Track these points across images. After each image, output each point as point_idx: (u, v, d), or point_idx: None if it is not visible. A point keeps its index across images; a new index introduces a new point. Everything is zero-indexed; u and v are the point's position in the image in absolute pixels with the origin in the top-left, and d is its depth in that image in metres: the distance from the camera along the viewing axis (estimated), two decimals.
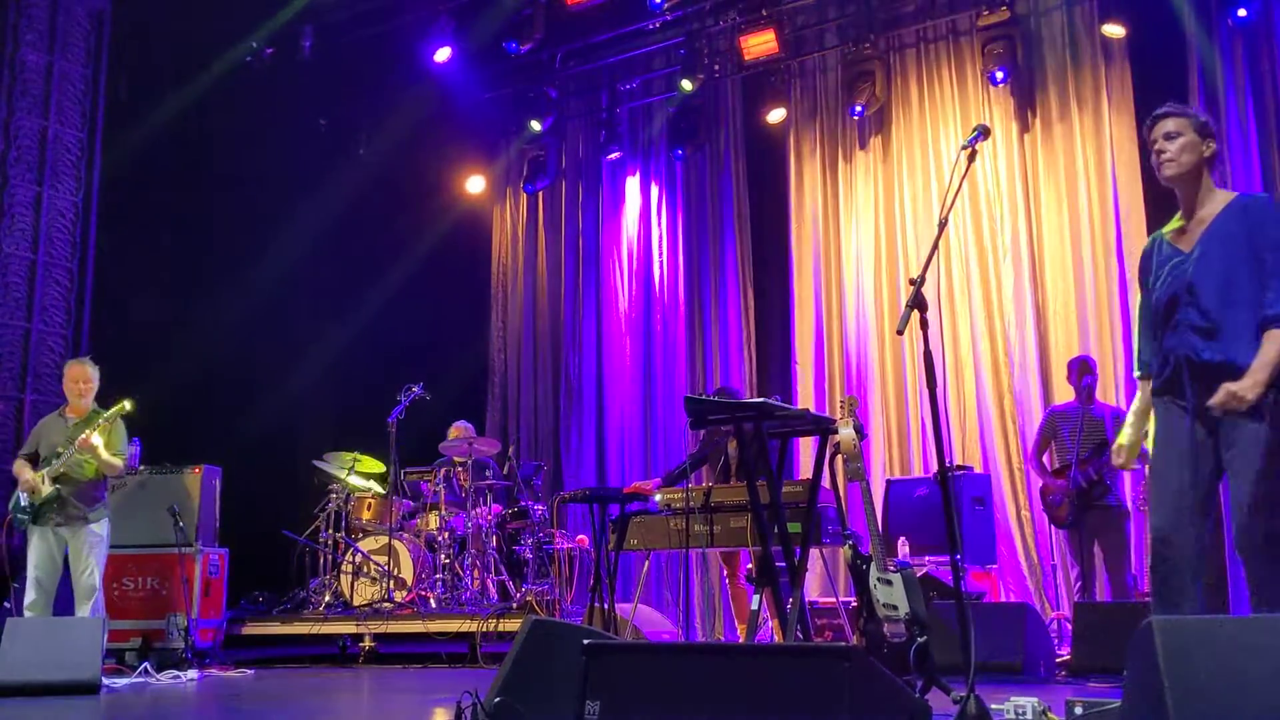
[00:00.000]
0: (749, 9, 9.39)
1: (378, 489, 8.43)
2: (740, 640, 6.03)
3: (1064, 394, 7.67)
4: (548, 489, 9.43)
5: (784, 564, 4.86)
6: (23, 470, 6.46)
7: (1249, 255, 3.43)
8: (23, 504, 6.38)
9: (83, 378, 6.57)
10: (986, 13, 8.47)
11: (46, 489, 6.32)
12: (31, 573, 6.38)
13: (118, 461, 6.47)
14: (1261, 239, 3.43)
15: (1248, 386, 3.28)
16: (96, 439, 6.30)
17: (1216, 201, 3.58)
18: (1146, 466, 3.75)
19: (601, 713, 2.81)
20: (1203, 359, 3.41)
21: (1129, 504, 6.89)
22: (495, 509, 8.34)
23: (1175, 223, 3.68)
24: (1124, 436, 3.78)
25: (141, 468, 7.61)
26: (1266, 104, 7.63)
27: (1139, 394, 3.76)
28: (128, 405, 6.47)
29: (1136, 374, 3.79)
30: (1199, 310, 3.44)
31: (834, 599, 6.66)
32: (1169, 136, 3.59)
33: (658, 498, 6.02)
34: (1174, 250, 3.62)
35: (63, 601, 6.49)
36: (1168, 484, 3.45)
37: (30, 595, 6.35)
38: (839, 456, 4.80)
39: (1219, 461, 3.42)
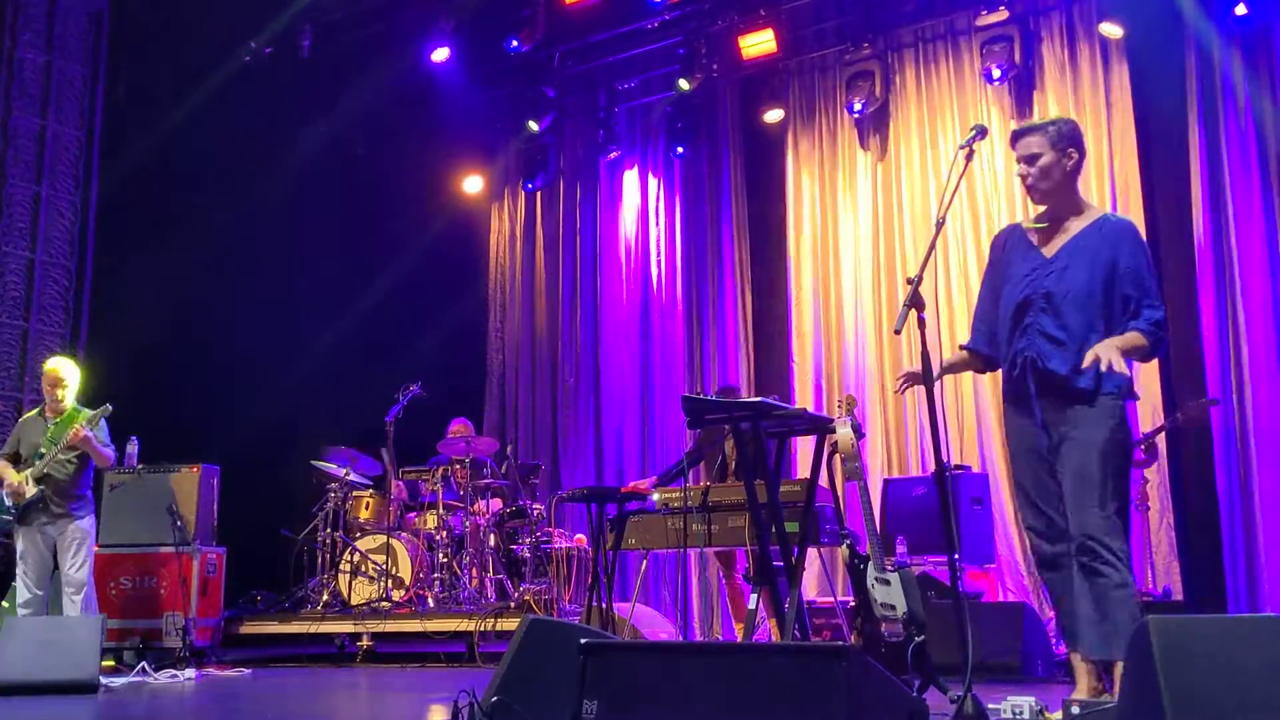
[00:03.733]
0: (747, 9, 9.36)
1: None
2: (738, 640, 6.03)
3: None
4: (545, 488, 9.43)
5: (781, 563, 4.87)
6: (5, 471, 6.45)
7: (1107, 276, 3.56)
8: (6, 504, 6.37)
9: (57, 378, 6.55)
10: (985, 13, 8.47)
11: (30, 490, 6.31)
12: (22, 573, 6.39)
13: (110, 452, 6.53)
14: (1124, 265, 3.57)
15: (1106, 349, 3.40)
16: (88, 431, 6.30)
17: (1083, 216, 3.70)
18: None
19: (599, 712, 2.81)
20: (1048, 367, 3.57)
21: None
22: (493, 508, 8.34)
23: (1037, 223, 3.74)
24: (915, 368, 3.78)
25: (140, 466, 7.61)
26: (1266, 103, 7.62)
27: (954, 355, 3.99)
28: (109, 409, 6.46)
29: (961, 346, 3.99)
30: (1056, 320, 3.57)
31: (832, 599, 6.66)
32: (1029, 160, 3.70)
33: (655, 497, 6.02)
34: (1034, 253, 3.71)
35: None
36: (1034, 485, 3.66)
37: (23, 595, 6.36)
38: (837, 456, 4.80)
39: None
